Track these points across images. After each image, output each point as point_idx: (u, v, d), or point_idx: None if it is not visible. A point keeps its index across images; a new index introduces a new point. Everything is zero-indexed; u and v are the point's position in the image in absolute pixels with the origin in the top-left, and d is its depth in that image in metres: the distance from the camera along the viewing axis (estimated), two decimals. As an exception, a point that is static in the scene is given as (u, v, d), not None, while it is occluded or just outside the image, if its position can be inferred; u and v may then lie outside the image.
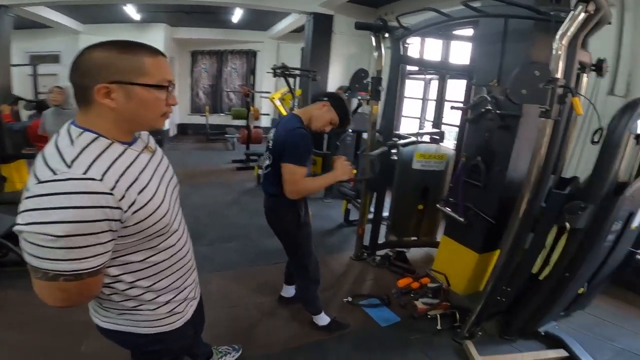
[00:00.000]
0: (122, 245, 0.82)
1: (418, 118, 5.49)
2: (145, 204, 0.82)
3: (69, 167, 0.71)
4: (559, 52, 1.70)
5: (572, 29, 1.65)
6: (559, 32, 1.68)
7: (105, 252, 0.76)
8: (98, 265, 0.76)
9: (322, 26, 5.76)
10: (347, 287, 2.81)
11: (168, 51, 8.37)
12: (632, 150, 1.90)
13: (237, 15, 6.86)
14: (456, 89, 4.81)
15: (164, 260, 0.94)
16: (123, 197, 0.76)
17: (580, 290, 2.12)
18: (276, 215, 1.95)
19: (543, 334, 2.21)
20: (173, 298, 1.02)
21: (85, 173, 0.72)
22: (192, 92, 9.62)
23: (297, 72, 5.23)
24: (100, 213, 0.72)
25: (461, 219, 2.56)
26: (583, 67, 2.04)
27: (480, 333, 2.21)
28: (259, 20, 7.50)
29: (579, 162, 2.22)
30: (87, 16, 7.20)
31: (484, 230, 2.51)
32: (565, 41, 1.68)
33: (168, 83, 0.85)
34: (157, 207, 0.86)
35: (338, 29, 5.82)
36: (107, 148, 0.79)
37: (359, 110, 4.79)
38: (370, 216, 3.31)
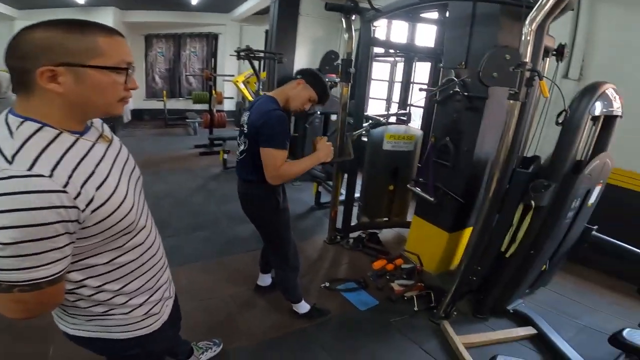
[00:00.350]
0: (83, 247, 0.75)
1: (384, 100, 5.54)
2: (106, 201, 0.74)
3: (10, 162, 0.62)
4: (528, 37, 1.75)
5: (541, 15, 1.70)
6: (529, 17, 1.72)
7: (63, 258, 0.69)
8: (57, 273, 0.69)
9: (288, 8, 5.54)
10: (323, 272, 2.82)
11: (118, 35, 7.80)
12: (589, 131, 2.04)
13: (197, -3, 6.45)
14: (422, 71, 4.87)
15: (132, 261, 0.87)
16: (79, 194, 0.68)
17: (543, 267, 2.26)
18: (253, 201, 1.88)
19: (512, 311, 2.33)
20: (147, 299, 0.95)
21: (30, 169, 0.63)
22: (147, 77, 9.03)
23: (263, 54, 5.04)
24: (54, 214, 0.64)
25: (431, 199, 2.62)
26: (547, 52, 2.12)
27: (455, 313, 2.30)
28: (220, 2, 7.11)
29: (538, 142, 2.33)
30: (22, 1, 6.51)
31: (454, 209, 2.59)
32: (534, 26, 1.73)
33: (127, 65, 0.77)
34: (120, 203, 0.78)
35: (304, 11, 5.64)
36: (54, 139, 0.70)
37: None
38: (342, 198, 3.31)
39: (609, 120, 2.05)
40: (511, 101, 1.87)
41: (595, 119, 2.00)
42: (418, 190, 2.77)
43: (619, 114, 2.05)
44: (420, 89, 3.14)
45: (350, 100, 2.98)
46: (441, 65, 2.77)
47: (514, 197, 2.07)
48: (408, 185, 2.91)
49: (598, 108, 1.92)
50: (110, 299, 0.85)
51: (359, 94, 3.04)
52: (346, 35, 2.78)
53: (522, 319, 2.27)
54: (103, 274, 0.81)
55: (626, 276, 2.76)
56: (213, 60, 9.02)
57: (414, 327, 2.22)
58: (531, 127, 2.41)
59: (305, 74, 1.81)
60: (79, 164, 0.71)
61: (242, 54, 4.75)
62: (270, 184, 1.71)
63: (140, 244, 0.88)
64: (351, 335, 2.15)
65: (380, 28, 5.40)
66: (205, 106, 7.01)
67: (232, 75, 7.07)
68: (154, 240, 0.96)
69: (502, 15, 2.19)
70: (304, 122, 4.70)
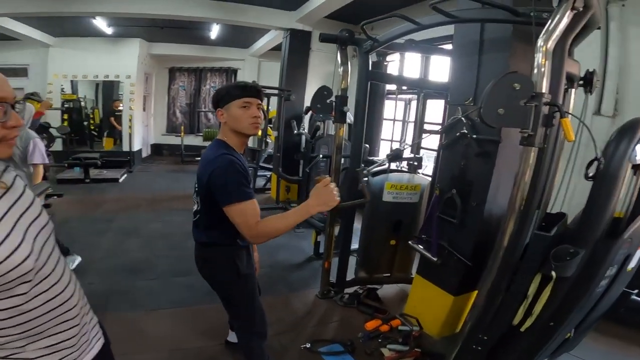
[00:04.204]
0: None
1: (398, 141, 5.22)
2: None
3: None
4: (542, 60, 1.40)
5: (558, 30, 1.36)
6: (542, 34, 1.38)
7: None
8: None
9: (299, 43, 5.50)
10: (308, 331, 2.49)
11: (144, 67, 8.06)
12: (629, 182, 1.60)
13: (214, 32, 6.59)
14: (438, 109, 4.55)
15: (35, 308, 0.82)
16: None
17: (567, 335, 1.79)
18: (208, 267, 1.60)
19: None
20: (54, 344, 0.88)
21: None
22: (168, 111, 9.25)
23: (270, 91, 4.92)
24: None
25: (434, 259, 2.26)
26: (571, 81, 1.74)
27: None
28: (239, 37, 7.24)
29: (566, 194, 1.89)
30: (58, 29, 6.82)
31: (460, 271, 2.20)
32: (550, 45, 1.38)
33: None
34: (11, 253, 0.75)
35: (316, 46, 5.56)
36: None
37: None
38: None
39: (654, 168, 1.62)
40: (525, 146, 1.49)
41: (636, 167, 1.57)
42: (420, 248, 2.42)
43: (669, 160, 1.61)
44: (424, 131, 2.81)
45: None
46: (448, 101, 2.46)
47: (531, 265, 1.63)
48: (410, 242, 2.53)
49: (640, 153, 1.51)
50: (6, 343, 0.81)
51: (356, 135, 2.74)
52: (341, 69, 2.55)
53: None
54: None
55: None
56: (232, 97, 9.12)
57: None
58: (555, 176, 1.99)
59: (214, 102, 1.52)
60: None
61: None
62: (229, 246, 1.50)
63: (44, 292, 0.84)
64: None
65: (394, 63, 5.23)
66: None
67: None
68: (65, 288, 0.90)
69: (514, 39, 1.88)
70: (306, 166, 4.39)
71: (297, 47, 5.52)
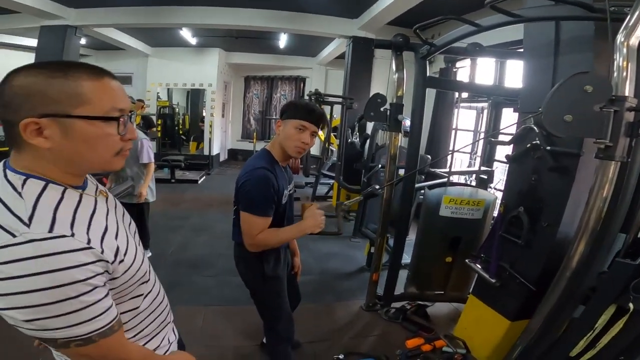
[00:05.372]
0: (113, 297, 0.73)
1: (468, 153, 4.85)
2: (126, 250, 0.73)
3: (28, 225, 0.59)
4: (623, 58, 1.20)
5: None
6: (622, 30, 1.18)
7: (106, 310, 0.67)
8: (105, 325, 0.66)
9: (362, 50, 5.41)
10: (345, 341, 2.42)
11: (223, 75, 8.66)
12: None
13: (283, 41, 6.86)
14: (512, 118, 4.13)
15: (146, 307, 0.85)
16: (102, 247, 0.66)
17: None
18: (241, 265, 1.68)
19: None
20: (160, 344, 0.91)
21: (51, 231, 0.60)
22: (243, 118, 9.85)
23: (332, 99, 4.95)
24: (85, 271, 0.62)
25: (492, 280, 2.03)
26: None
27: None
28: (306, 46, 7.46)
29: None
30: (153, 39, 7.57)
31: (521, 294, 1.96)
32: (633, 42, 1.17)
33: (120, 113, 0.68)
34: (135, 253, 0.77)
35: (379, 54, 5.43)
36: (63, 196, 0.66)
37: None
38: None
39: None
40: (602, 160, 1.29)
41: None
42: (478, 267, 2.21)
43: None
44: (491, 141, 2.55)
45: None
46: (517, 108, 2.21)
47: (608, 294, 1.38)
48: (467, 261, 2.32)
49: None
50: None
51: (412, 145, 2.60)
52: (395, 76, 2.46)
53: None
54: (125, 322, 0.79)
55: None
56: (300, 104, 9.37)
57: None
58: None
59: (281, 111, 1.56)
60: (91, 219, 0.68)
61: (312, 98, 4.75)
62: (251, 251, 1.53)
63: (150, 291, 0.86)
64: None
65: (465, 69, 4.91)
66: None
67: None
68: (160, 287, 0.94)
69: (598, 38, 1.62)
70: (364, 176, 4.29)
71: (360, 54, 5.44)
